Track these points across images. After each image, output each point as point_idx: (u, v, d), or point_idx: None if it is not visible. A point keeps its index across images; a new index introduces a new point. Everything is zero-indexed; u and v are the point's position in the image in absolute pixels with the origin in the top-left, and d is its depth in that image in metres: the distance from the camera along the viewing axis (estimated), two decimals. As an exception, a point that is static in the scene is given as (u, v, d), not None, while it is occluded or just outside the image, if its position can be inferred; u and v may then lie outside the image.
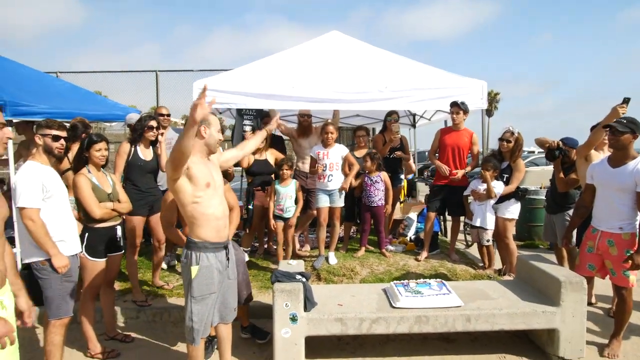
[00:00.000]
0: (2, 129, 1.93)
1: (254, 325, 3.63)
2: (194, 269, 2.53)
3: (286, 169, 4.70)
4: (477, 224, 4.72)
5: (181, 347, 3.56)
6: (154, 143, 4.25)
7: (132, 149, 4.09)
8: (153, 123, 4.12)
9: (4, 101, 4.33)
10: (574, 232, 4.30)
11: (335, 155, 4.77)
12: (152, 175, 4.25)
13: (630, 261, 3.11)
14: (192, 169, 2.47)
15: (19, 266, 3.45)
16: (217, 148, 2.69)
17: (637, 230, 3.20)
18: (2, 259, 1.89)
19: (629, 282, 3.25)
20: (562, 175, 4.24)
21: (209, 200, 2.55)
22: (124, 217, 3.82)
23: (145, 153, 4.16)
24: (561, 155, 4.07)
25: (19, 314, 2.08)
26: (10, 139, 2.01)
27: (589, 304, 4.31)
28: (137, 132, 4.12)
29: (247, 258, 3.72)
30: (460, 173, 4.87)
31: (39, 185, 2.69)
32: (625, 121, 3.19)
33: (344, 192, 4.87)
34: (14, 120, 4.57)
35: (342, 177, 4.85)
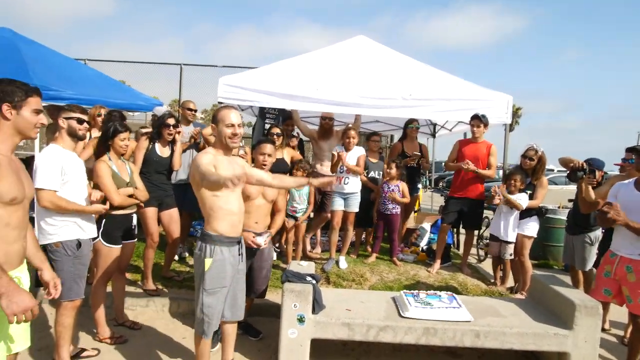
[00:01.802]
0: (38, 115, 1.98)
1: (247, 322, 3.63)
2: (208, 262, 2.56)
3: (301, 174, 4.70)
4: (507, 238, 4.61)
5: (187, 338, 3.58)
6: (172, 142, 4.26)
7: (151, 144, 4.14)
8: (170, 121, 4.14)
9: (34, 85, 4.43)
10: (595, 255, 4.21)
11: (353, 159, 4.77)
12: (165, 172, 4.26)
13: None
14: (218, 169, 2.52)
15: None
16: (231, 143, 2.60)
17: None
18: (24, 238, 1.94)
19: None
20: (585, 196, 4.12)
21: (227, 196, 2.59)
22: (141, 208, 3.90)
23: (162, 150, 4.19)
24: (584, 176, 3.97)
25: (45, 286, 2.12)
26: (44, 125, 2.06)
27: (602, 330, 4.20)
28: (154, 130, 4.16)
29: (274, 256, 3.76)
30: (471, 166, 4.71)
31: (58, 168, 2.74)
32: None
33: (359, 197, 4.87)
34: (43, 104, 4.69)
35: (358, 181, 4.85)
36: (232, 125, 2.57)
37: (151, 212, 4.10)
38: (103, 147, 3.32)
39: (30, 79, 4.52)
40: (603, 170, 4.28)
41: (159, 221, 4.26)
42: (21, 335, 1.98)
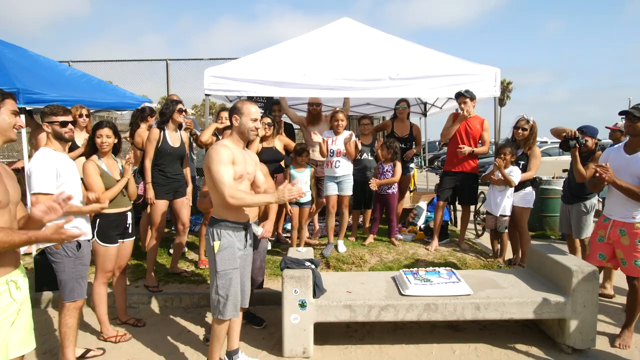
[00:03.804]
0: (16, 117, 1.98)
1: (249, 312, 3.63)
2: (216, 244, 2.68)
3: (306, 155, 4.74)
4: (499, 212, 4.63)
5: (192, 332, 3.61)
6: (180, 127, 4.35)
7: (161, 134, 4.15)
8: (181, 106, 4.22)
9: (17, 89, 4.39)
10: (591, 223, 4.24)
11: (342, 142, 4.77)
12: (179, 161, 4.31)
13: None
14: (236, 164, 2.64)
15: (34, 252, 3.51)
16: (252, 136, 2.77)
17: None
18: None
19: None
20: (579, 165, 4.10)
21: (237, 186, 2.67)
22: (152, 202, 4.07)
23: (173, 139, 4.22)
24: (578, 145, 3.95)
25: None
26: (22, 127, 2.05)
27: (607, 296, 4.26)
28: (166, 116, 4.19)
29: (269, 247, 3.75)
30: (466, 149, 4.80)
31: (52, 172, 2.73)
32: None
33: (351, 180, 4.88)
34: (27, 108, 4.64)
35: (349, 164, 4.86)
36: (256, 120, 2.74)
37: (161, 204, 4.17)
38: (91, 146, 3.28)
39: (12, 83, 4.47)
40: (596, 137, 4.29)
41: (171, 208, 4.34)
42: (25, 338, 1.98)
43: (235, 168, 2.64)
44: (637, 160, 3.14)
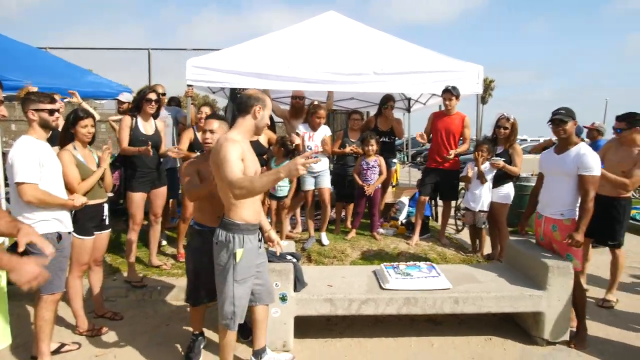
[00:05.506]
0: (1, 106, 1.95)
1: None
2: (239, 252, 2.45)
3: (277, 149, 4.73)
4: (478, 208, 4.70)
5: (170, 324, 3.57)
6: (155, 116, 4.23)
7: (133, 122, 4.04)
8: (151, 96, 4.08)
9: (-11, 75, 4.23)
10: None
11: (320, 138, 4.78)
12: (154, 150, 4.10)
13: (570, 240, 3.21)
14: (246, 160, 2.42)
15: (6, 243, 3.42)
16: (262, 132, 2.70)
17: (577, 215, 3.25)
18: None
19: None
20: None
21: None
22: (129, 193, 3.97)
23: (146, 127, 4.11)
24: None
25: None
26: (5, 117, 1.99)
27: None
28: (135, 104, 4.10)
29: None
30: (452, 153, 4.85)
31: (36, 160, 2.66)
32: (564, 111, 3.28)
33: (328, 174, 4.95)
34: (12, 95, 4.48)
35: (326, 159, 4.88)
36: (270, 116, 2.67)
37: (137, 197, 4.05)
38: (66, 136, 3.19)
39: (-16, 69, 4.31)
40: (581, 137, 4.41)
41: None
42: (1, 334, 1.93)
43: (248, 165, 2.42)
44: (564, 159, 3.29)
